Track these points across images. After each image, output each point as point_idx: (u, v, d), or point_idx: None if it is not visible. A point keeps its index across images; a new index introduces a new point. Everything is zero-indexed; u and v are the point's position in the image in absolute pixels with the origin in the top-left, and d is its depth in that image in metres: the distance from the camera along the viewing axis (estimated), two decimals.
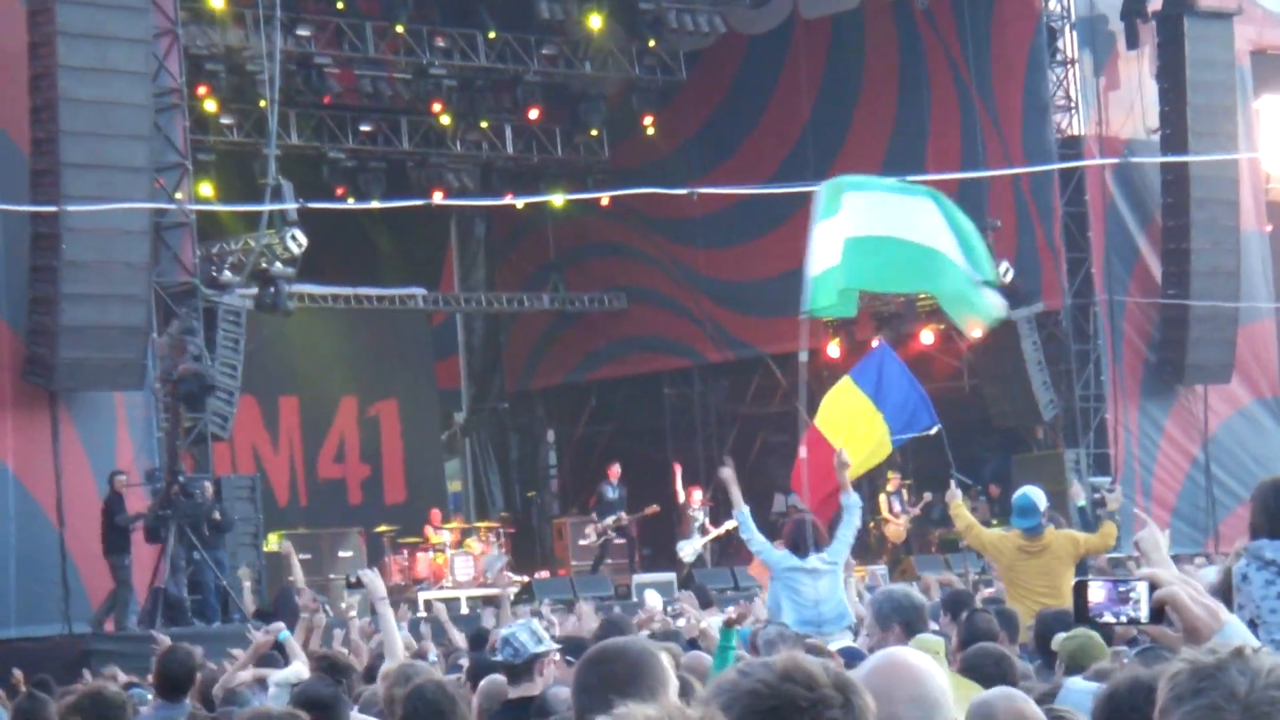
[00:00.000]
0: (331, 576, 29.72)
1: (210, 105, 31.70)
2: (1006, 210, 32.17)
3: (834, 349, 34.47)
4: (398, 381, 37.67)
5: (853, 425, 18.81)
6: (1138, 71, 32.38)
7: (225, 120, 32.48)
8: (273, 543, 30.19)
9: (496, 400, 40.20)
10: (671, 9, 33.66)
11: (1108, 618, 4.05)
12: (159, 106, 25.65)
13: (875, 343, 20.34)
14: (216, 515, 25.87)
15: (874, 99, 34.30)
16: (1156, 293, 32.20)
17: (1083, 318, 32.00)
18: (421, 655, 15.51)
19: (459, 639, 17.51)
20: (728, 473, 15.99)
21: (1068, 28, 32.10)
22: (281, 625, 13.42)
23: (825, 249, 16.27)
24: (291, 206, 27.26)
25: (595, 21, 33.99)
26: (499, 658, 9.36)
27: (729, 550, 31.54)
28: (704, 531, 31.36)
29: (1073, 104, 32.09)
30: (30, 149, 24.51)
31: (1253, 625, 6.13)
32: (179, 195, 26.21)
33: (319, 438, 36.36)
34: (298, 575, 15.65)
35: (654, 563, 32.80)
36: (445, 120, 35.32)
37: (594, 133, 37.31)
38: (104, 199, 23.93)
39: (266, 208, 27.30)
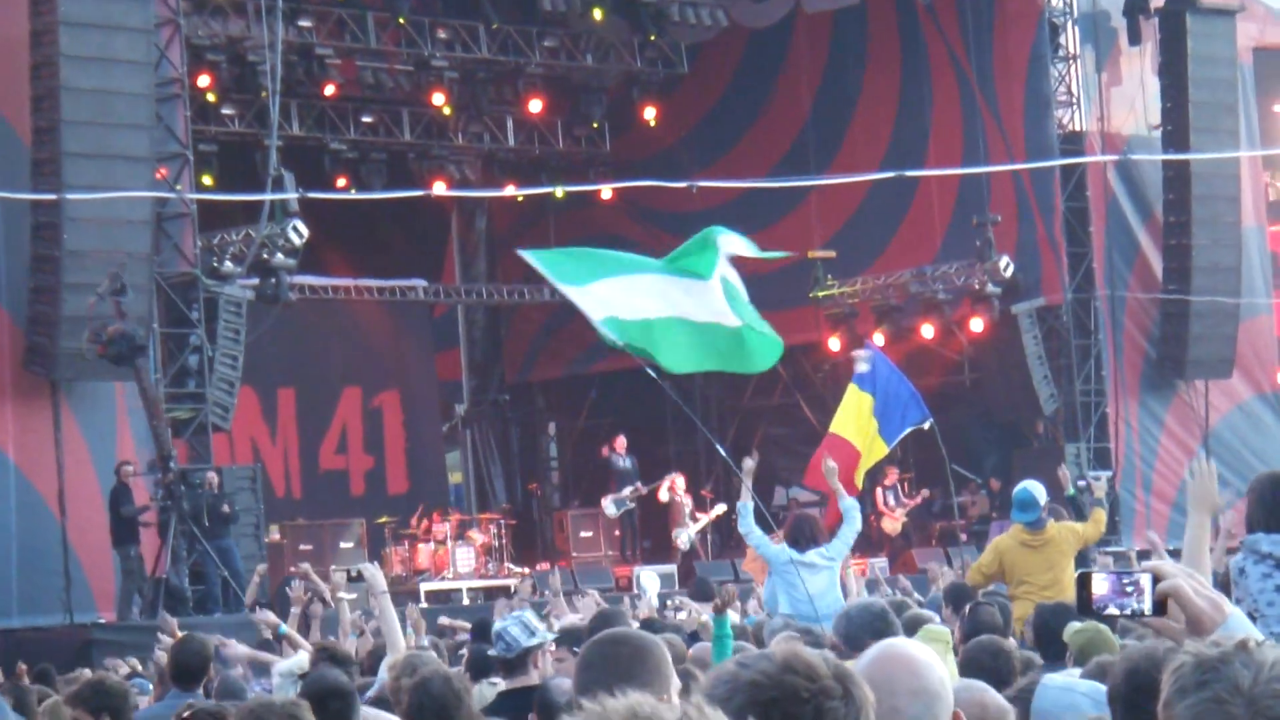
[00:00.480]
0: (333, 567, 29.67)
1: (212, 95, 31.69)
2: (1008, 205, 32.19)
3: (834, 343, 34.48)
4: (399, 373, 37.68)
5: (860, 426, 19.15)
6: (1140, 68, 32.38)
7: (226, 110, 32.47)
8: (274, 533, 30.23)
9: (497, 392, 40.19)
10: (673, 2, 33.64)
11: (1111, 610, 4.05)
12: (160, 96, 25.66)
13: (858, 355, 20.20)
14: (226, 508, 25.90)
15: (875, 94, 34.30)
16: (1157, 288, 32.22)
17: (1083, 312, 32.01)
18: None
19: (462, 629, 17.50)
20: (751, 463, 16.07)
21: (1070, 23, 32.10)
22: (272, 616, 13.43)
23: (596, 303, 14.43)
24: (292, 196, 27.26)
25: (597, 14, 33.98)
26: (493, 652, 9.37)
27: (730, 543, 31.58)
28: (694, 518, 31.46)
29: (1074, 100, 32.10)
30: (31, 138, 24.52)
31: (1251, 619, 6.14)
32: (180, 185, 26.22)
33: (320, 429, 36.33)
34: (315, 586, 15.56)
35: (654, 554, 32.81)
36: (446, 112, 35.29)
37: (595, 125, 37.30)
38: (105, 188, 23.93)
39: (268, 198, 27.30)
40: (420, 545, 30.99)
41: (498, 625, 9.42)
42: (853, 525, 15.44)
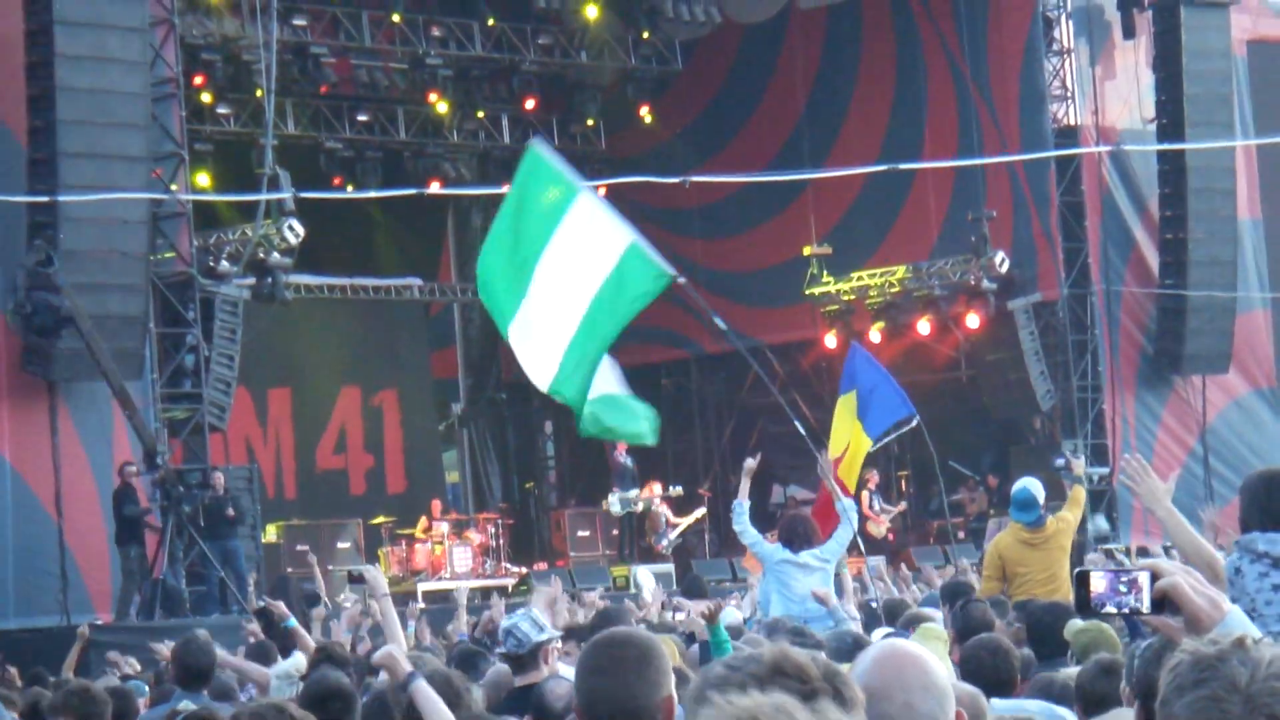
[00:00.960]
0: (330, 567, 29.70)
1: (207, 95, 31.68)
2: (1003, 200, 32.19)
3: (831, 340, 34.48)
4: (396, 372, 37.66)
5: (842, 429, 19.32)
6: (1134, 61, 32.38)
7: (222, 110, 32.44)
8: (271, 534, 30.22)
9: (494, 391, 40.15)
10: None
11: (1110, 608, 4.05)
12: (155, 96, 25.64)
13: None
14: (230, 512, 25.91)
15: (870, 89, 34.29)
16: (1152, 282, 32.20)
17: (1080, 308, 32.00)
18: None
19: (465, 626, 17.50)
20: (751, 464, 16.05)
21: (1064, 17, 32.10)
22: (282, 606, 13.40)
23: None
24: (288, 196, 27.25)
25: (591, 11, 33.99)
26: (503, 649, 9.35)
27: (728, 540, 31.56)
28: (670, 525, 31.49)
29: (1069, 94, 32.09)
30: (27, 138, 24.49)
31: (1248, 617, 6.13)
32: (175, 185, 26.21)
33: (316, 428, 36.30)
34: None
35: (651, 553, 32.78)
36: (442, 110, 35.28)
37: (590, 122, 37.29)
38: (101, 188, 23.92)
39: (263, 197, 27.29)
40: (417, 545, 30.97)
41: (507, 622, 9.40)
42: (849, 527, 15.43)
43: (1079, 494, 16.05)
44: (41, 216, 24.16)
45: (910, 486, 34.28)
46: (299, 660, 11.62)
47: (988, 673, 8.00)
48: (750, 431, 36.47)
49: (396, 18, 33.20)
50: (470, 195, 36.57)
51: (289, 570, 29.13)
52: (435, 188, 34.84)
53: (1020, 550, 15.00)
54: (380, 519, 32.45)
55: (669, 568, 30.29)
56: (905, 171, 31.08)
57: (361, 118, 34.83)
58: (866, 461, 21.38)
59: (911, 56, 33.70)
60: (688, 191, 31.79)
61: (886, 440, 21.50)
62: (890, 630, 9.78)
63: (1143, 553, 24.87)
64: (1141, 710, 4.69)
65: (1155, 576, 4.00)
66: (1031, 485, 15.26)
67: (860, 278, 33.86)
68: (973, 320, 32.39)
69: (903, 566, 24.58)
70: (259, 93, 29.79)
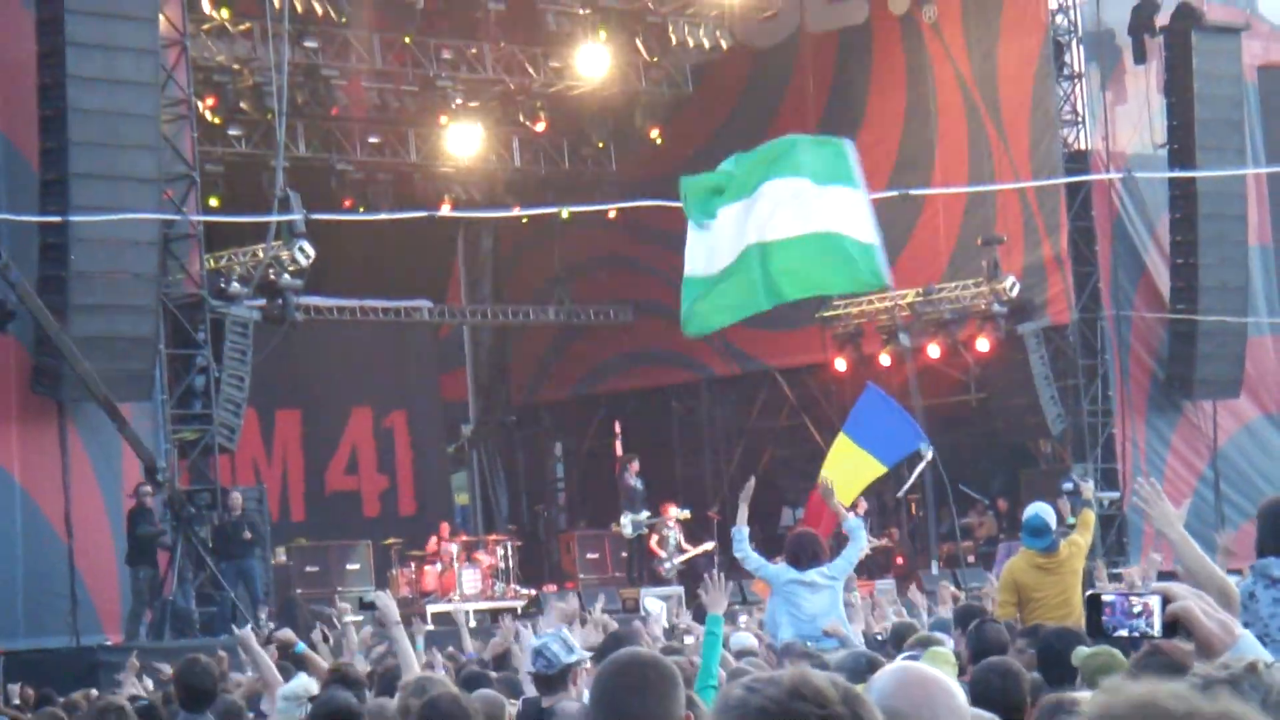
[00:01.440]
0: (339, 589, 29.69)
1: (218, 117, 31.72)
2: (1014, 225, 32.18)
3: (841, 363, 34.47)
4: (405, 394, 37.68)
5: (844, 471, 19.70)
6: (1145, 86, 32.39)
7: (233, 132, 32.48)
8: (279, 555, 30.19)
9: (504, 413, 40.17)
10: (678, 22, 33.69)
11: (1121, 632, 4.04)
12: (167, 117, 25.71)
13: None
14: (248, 535, 25.97)
15: (880, 112, 34.28)
16: (1162, 307, 32.19)
17: (1090, 332, 31.98)
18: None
19: (470, 646, 17.47)
20: (748, 490, 16.03)
21: (1075, 42, 32.10)
22: (291, 634, 13.37)
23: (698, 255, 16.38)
24: (299, 217, 27.29)
25: (602, 35, 34.02)
26: (532, 669, 9.27)
27: (737, 564, 31.48)
28: (680, 550, 31.42)
29: (1080, 119, 32.10)
30: (39, 159, 24.54)
31: (1261, 643, 6.13)
32: (186, 207, 26.25)
33: (327, 450, 36.32)
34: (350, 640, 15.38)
35: (660, 577, 32.73)
36: (452, 132, 35.33)
37: (601, 145, 37.31)
38: (112, 210, 23.98)
39: (274, 219, 27.33)
40: (427, 567, 30.94)
41: (538, 642, 9.32)
42: (857, 544, 15.42)
43: (1088, 517, 16.04)
44: (53, 237, 24.20)
45: (919, 510, 34.23)
46: (306, 681, 11.57)
47: (997, 696, 7.97)
48: (760, 455, 36.48)
49: (407, 40, 33.25)
50: (480, 218, 36.59)
51: (298, 591, 29.13)
52: (445, 210, 34.88)
53: (1034, 575, 14.98)
54: (391, 540, 32.45)
55: (679, 590, 30.24)
56: (916, 196, 31.09)
57: (372, 140, 34.86)
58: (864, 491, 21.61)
59: (922, 81, 33.71)
60: None
61: (903, 467, 21.84)
62: (908, 654, 9.74)
63: (1164, 576, 24.78)
64: None
65: (1167, 601, 3.99)
66: (1043, 511, 15.25)
67: (870, 301, 33.85)
68: (983, 344, 32.38)
69: (912, 590, 24.55)
70: (270, 115, 29.84)
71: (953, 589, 22.40)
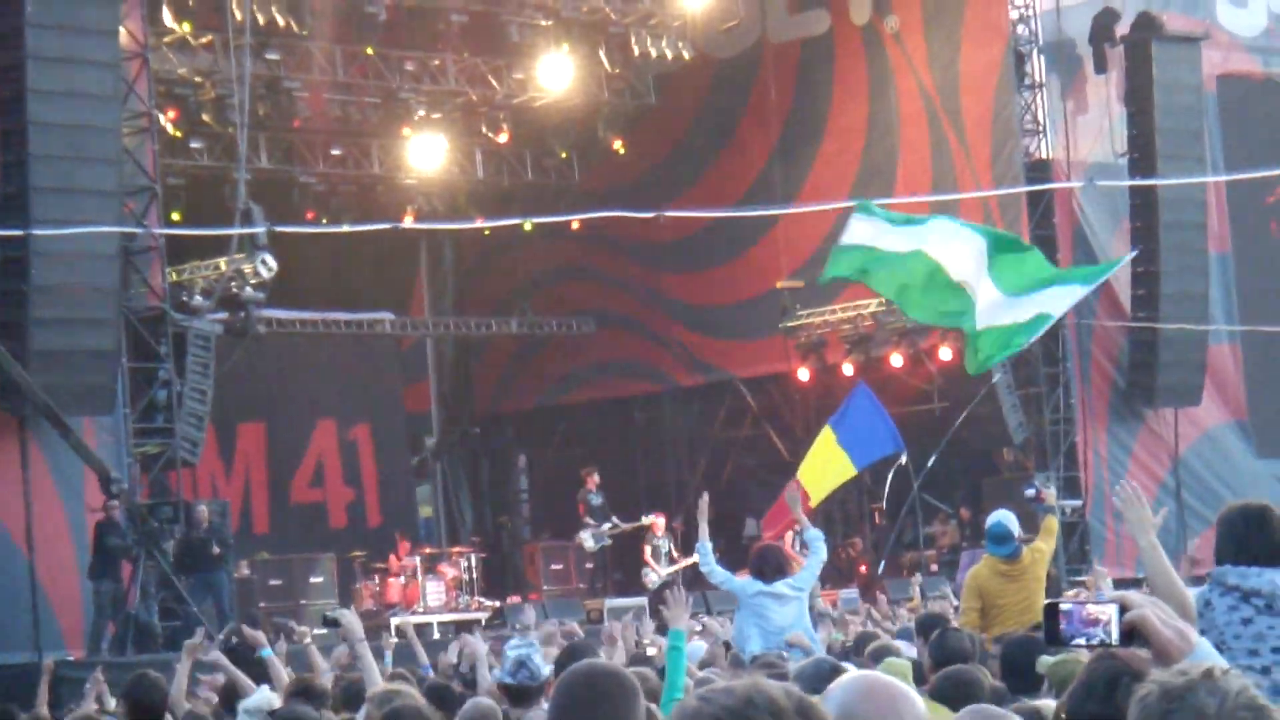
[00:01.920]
0: (303, 602, 29.64)
1: (180, 129, 31.66)
2: None
3: (804, 373, 34.53)
4: (369, 406, 37.63)
5: (819, 465, 19.90)
6: (1106, 95, 32.49)
7: (195, 144, 32.42)
8: (242, 568, 30.11)
9: (467, 425, 40.15)
10: (640, 33, 33.73)
11: (1079, 641, 4.06)
12: (128, 130, 25.62)
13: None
14: (217, 549, 25.95)
15: (843, 122, 34.37)
16: (1123, 315, 32.28)
17: (1052, 341, 32.04)
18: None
19: (425, 658, 17.44)
20: (703, 504, 16.07)
21: (1035, 52, 32.20)
22: (261, 635, 13.32)
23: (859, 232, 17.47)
24: (261, 230, 27.24)
25: (564, 46, 34.04)
26: (512, 680, 9.23)
27: (700, 575, 31.49)
28: (671, 560, 31.35)
29: (1041, 128, 32.18)
30: None
31: (1218, 650, 6.15)
32: (148, 220, 26.17)
33: (293, 462, 36.24)
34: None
35: (625, 587, 32.76)
36: (415, 144, 35.31)
37: (564, 156, 37.33)
38: (73, 223, 23.88)
39: (236, 232, 27.28)
40: (390, 580, 30.90)
41: (517, 652, 9.28)
42: (818, 555, 15.51)
43: (1051, 524, 16.09)
44: (13, 251, 24.09)
45: (883, 519, 34.28)
46: (269, 695, 11.55)
47: (959, 705, 7.99)
48: (723, 465, 36.53)
49: (370, 51, 33.23)
50: (443, 229, 36.57)
51: (261, 605, 29.06)
52: (409, 222, 34.86)
53: (997, 582, 15.02)
54: (355, 553, 32.40)
55: (641, 600, 30.20)
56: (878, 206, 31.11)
57: (335, 152, 34.83)
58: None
59: (884, 91, 33.79)
60: (661, 225, 31.86)
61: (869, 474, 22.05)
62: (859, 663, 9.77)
63: (1126, 584, 24.89)
64: None
65: (1124, 609, 4.01)
66: (1006, 518, 15.29)
67: (833, 311, 33.90)
68: (945, 353, 32.45)
69: (880, 600, 24.59)
70: (231, 129, 29.79)
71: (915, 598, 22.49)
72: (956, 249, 17.38)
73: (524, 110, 35.63)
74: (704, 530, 15.73)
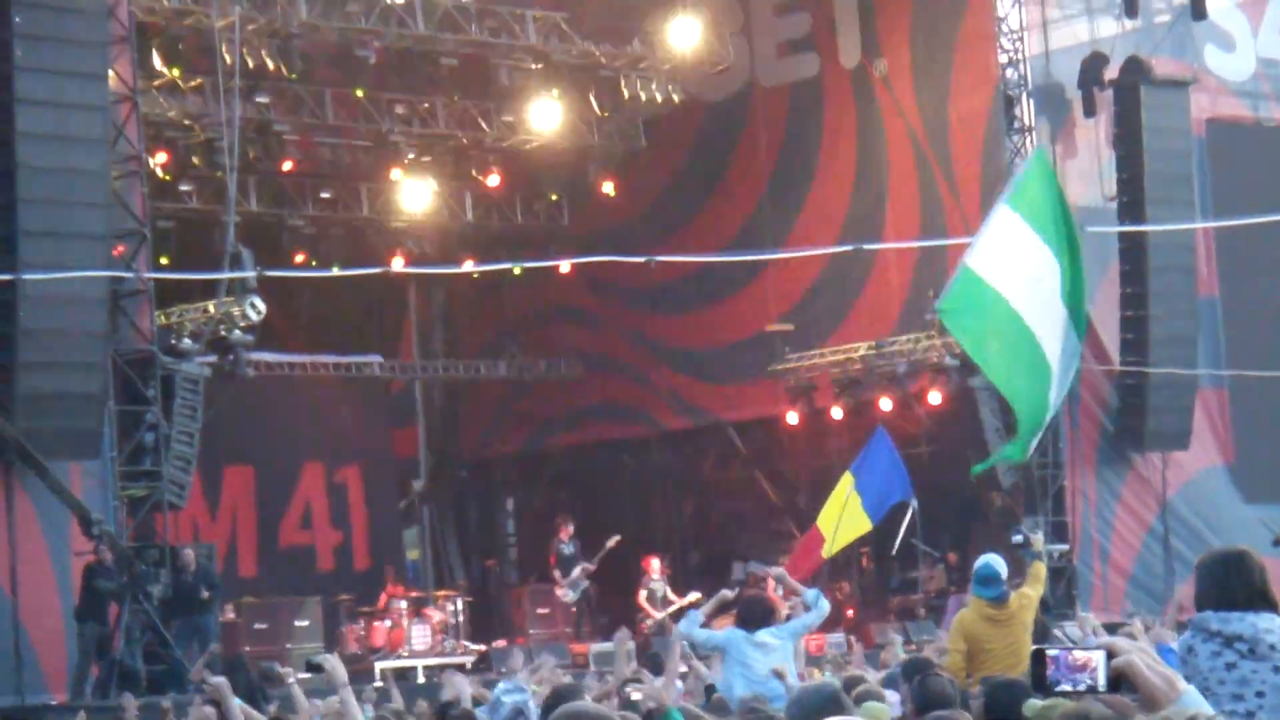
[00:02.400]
0: (288, 645, 29.53)
1: (169, 173, 31.65)
2: None
3: (793, 416, 34.49)
4: (358, 448, 37.59)
5: (836, 514, 20.09)
6: (1095, 139, 32.53)
7: (184, 187, 32.44)
8: (229, 612, 30.01)
9: (455, 468, 40.10)
10: (630, 76, 33.77)
11: (1065, 686, 4.04)
12: (117, 173, 25.61)
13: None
14: (205, 593, 25.91)
15: (832, 166, 34.41)
16: (1110, 359, 32.26)
17: None
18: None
19: (399, 700, 17.38)
20: (726, 594, 16.50)
21: (1025, 95, 32.24)
22: (225, 684, 13.24)
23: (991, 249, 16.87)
24: (250, 274, 27.22)
25: (554, 89, 34.08)
26: None
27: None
28: (666, 602, 31.26)
29: None
30: None
31: (1203, 695, 6.11)
32: (137, 264, 26.13)
33: (280, 505, 36.16)
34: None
35: (611, 629, 32.57)
36: (405, 187, 35.33)
37: (554, 199, 37.36)
38: (62, 267, 23.83)
39: (226, 275, 27.25)
40: (376, 623, 30.81)
41: (513, 698, 9.24)
42: (820, 613, 15.69)
43: (1039, 570, 16.05)
44: (1, 295, 24.04)
45: (870, 562, 34.22)
46: None
47: None
48: (712, 508, 36.48)
49: (359, 94, 33.26)
50: (433, 274, 36.57)
51: (245, 649, 28.94)
52: (398, 264, 34.85)
53: (984, 626, 14.98)
54: (342, 596, 32.31)
55: (630, 645, 30.09)
56: (868, 250, 31.17)
57: (324, 195, 34.84)
58: None
59: (873, 134, 33.84)
60: (650, 269, 31.85)
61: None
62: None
63: (1113, 628, 24.84)
64: None
65: (1111, 655, 3.99)
66: (994, 561, 15.25)
67: (822, 355, 33.89)
68: (934, 397, 32.44)
69: (855, 647, 24.59)
70: (221, 171, 29.79)
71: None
72: (1051, 314, 17.06)
73: (514, 153, 35.66)
74: (709, 608, 16.04)
